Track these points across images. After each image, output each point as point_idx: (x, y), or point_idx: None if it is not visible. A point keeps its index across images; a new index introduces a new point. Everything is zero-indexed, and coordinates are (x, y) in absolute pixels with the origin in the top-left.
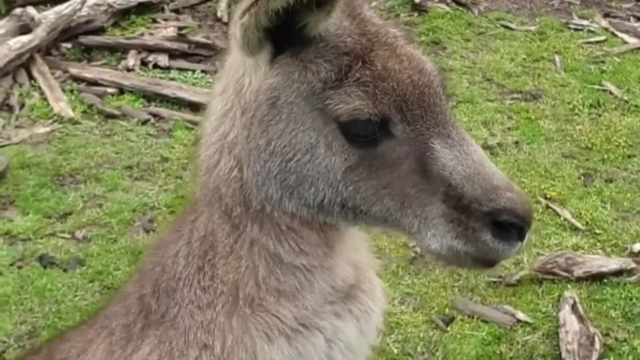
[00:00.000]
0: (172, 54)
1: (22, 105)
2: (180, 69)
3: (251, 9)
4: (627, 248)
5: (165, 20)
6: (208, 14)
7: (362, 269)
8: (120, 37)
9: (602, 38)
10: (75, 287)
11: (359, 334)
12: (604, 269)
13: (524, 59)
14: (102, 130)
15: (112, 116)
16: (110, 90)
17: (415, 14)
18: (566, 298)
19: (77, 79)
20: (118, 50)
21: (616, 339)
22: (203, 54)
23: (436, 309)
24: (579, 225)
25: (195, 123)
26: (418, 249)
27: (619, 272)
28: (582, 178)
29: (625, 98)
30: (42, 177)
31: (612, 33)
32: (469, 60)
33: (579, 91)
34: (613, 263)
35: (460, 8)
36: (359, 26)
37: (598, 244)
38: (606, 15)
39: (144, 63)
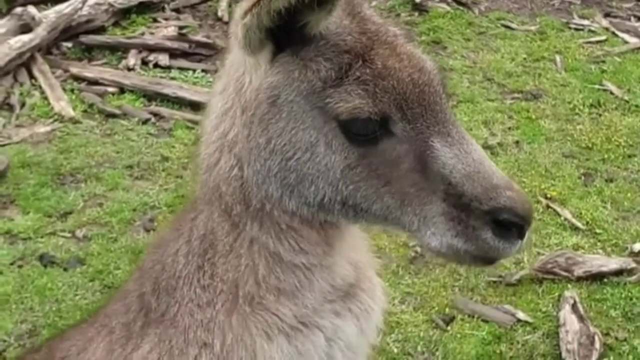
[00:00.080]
0: (173, 54)
1: (23, 105)
2: (181, 69)
3: (253, 9)
4: (627, 248)
5: (166, 19)
6: (209, 13)
7: (362, 268)
8: (121, 36)
9: (603, 38)
10: (75, 286)
11: (358, 332)
12: (604, 269)
13: (525, 58)
14: (102, 129)
15: (113, 115)
16: (110, 89)
17: (416, 13)
18: (566, 298)
19: (77, 78)
20: (119, 50)
21: (616, 338)
22: (204, 54)
23: (436, 308)
24: (579, 225)
25: (195, 122)
26: (418, 249)
27: (619, 272)
28: (583, 178)
29: (626, 98)
30: (43, 176)
31: (613, 33)
32: (469, 60)
33: (579, 91)
34: (613, 263)
35: (461, 8)
36: (359, 25)
37: (598, 243)
38: (607, 15)
39: (144, 62)
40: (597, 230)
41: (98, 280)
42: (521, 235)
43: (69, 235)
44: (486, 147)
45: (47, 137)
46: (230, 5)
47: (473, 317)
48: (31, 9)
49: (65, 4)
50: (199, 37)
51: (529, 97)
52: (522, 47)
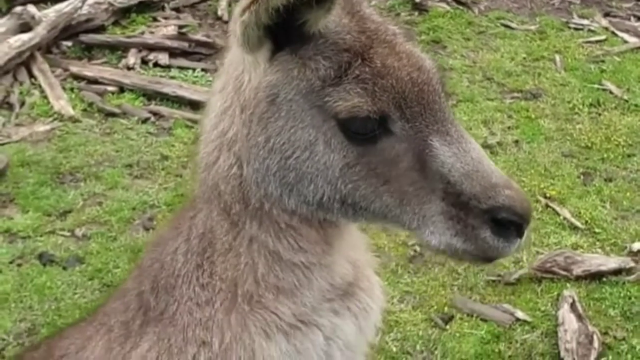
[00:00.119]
0: (173, 53)
1: (23, 104)
2: (181, 68)
3: (251, 6)
4: (626, 247)
5: (166, 18)
6: (208, 12)
7: (361, 267)
8: (121, 35)
9: (602, 37)
10: (74, 285)
11: (357, 331)
12: (603, 268)
13: (524, 58)
14: (102, 128)
15: (113, 114)
16: (110, 88)
17: (416, 13)
18: (565, 297)
19: (77, 77)
20: (118, 49)
21: (615, 337)
22: (203, 53)
23: (435, 307)
24: (578, 224)
25: (195, 121)
26: (417, 248)
27: (618, 271)
28: (582, 177)
29: (625, 97)
30: (42, 175)
31: (612, 32)
32: (469, 59)
33: (579, 90)
34: (612, 262)
35: (461, 7)
36: (359, 23)
37: (597, 243)
38: (606, 15)
39: (144, 61)
40: (596, 230)
41: (97, 279)
42: (520, 234)
43: (68, 234)
44: (485, 146)
45: (46, 136)
46: (230, 5)
47: (472, 316)
48: (31, 8)
49: (65, 3)
50: (199, 36)
51: (528, 96)
52: (522, 46)
